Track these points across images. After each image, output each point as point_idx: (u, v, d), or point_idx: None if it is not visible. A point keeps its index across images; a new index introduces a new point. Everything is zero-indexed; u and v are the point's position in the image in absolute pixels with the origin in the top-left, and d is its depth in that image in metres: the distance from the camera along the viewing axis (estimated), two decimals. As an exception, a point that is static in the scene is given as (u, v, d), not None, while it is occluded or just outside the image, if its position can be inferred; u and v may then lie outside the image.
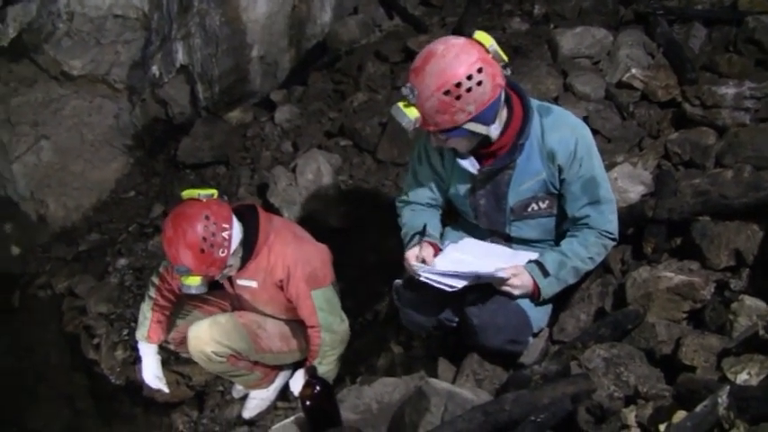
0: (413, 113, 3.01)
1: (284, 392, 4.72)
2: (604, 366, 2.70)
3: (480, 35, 3.05)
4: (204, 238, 3.64)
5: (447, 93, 2.94)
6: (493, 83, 2.97)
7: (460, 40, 3.02)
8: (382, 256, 4.77)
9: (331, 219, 5.32)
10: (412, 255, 3.39)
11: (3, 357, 6.03)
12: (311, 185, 5.40)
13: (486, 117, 3.04)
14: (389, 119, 5.52)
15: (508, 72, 3.08)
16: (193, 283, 3.73)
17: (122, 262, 6.26)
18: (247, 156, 6.28)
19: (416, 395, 2.60)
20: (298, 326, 4.30)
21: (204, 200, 3.75)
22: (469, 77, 2.92)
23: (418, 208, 3.68)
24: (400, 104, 3.04)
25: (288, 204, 5.39)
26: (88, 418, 5.39)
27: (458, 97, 2.94)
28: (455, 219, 3.75)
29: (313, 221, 5.10)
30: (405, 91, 3.01)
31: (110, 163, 7.24)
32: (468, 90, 2.93)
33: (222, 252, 3.73)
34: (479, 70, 2.92)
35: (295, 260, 3.95)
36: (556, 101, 4.74)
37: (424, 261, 3.34)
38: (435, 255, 3.42)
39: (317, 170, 5.42)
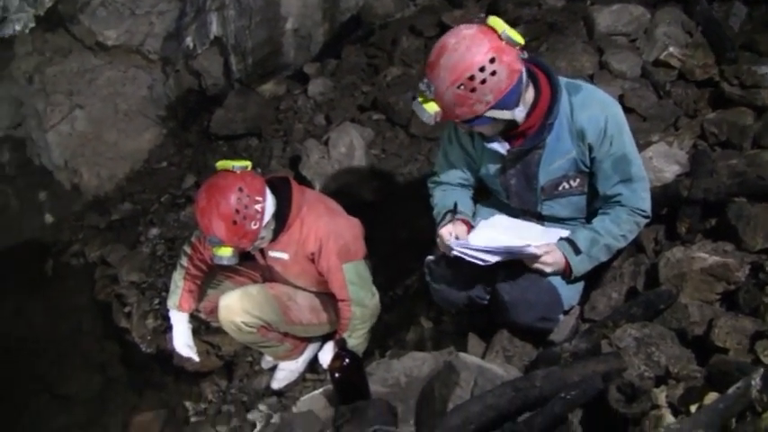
0: (432, 108, 2.99)
1: (313, 364, 4.75)
2: (635, 346, 2.68)
3: (493, 20, 3.00)
4: (237, 211, 3.65)
5: (462, 86, 2.91)
6: (509, 69, 2.93)
7: (472, 30, 2.97)
8: (413, 231, 4.76)
9: (363, 192, 5.32)
10: (445, 231, 3.37)
11: (36, 324, 6.11)
12: (343, 159, 5.40)
13: (507, 103, 3.00)
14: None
15: (525, 55, 3.05)
16: (225, 254, 3.73)
17: (154, 232, 6.31)
18: (280, 128, 6.28)
19: (446, 369, 2.60)
20: (328, 299, 4.31)
21: (238, 172, 3.75)
22: (482, 69, 2.88)
23: (449, 188, 3.66)
24: (419, 100, 3.02)
25: (320, 177, 5.39)
26: (119, 386, 5.45)
27: (473, 89, 2.91)
28: (487, 197, 3.73)
29: (345, 195, 5.08)
30: (422, 86, 2.99)
31: (143, 133, 7.28)
32: (483, 81, 2.90)
33: (254, 225, 3.74)
34: (492, 60, 2.89)
35: (327, 233, 3.95)
36: (591, 79, 4.69)
37: (457, 237, 3.33)
38: (468, 232, 3.41)
39: (350, 144, 5.41)
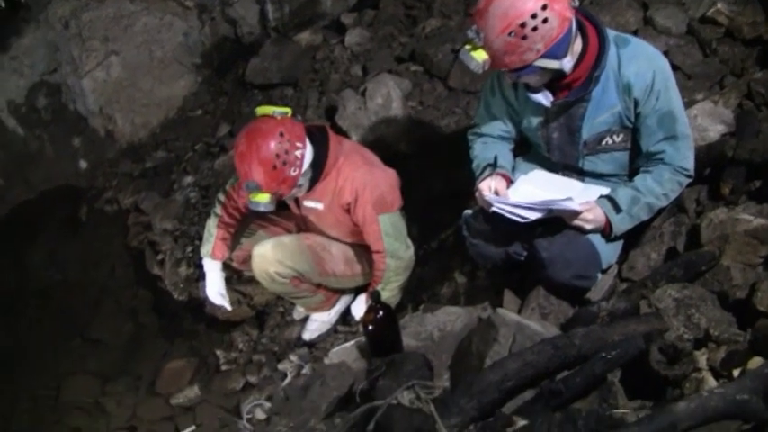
0: (481, 56, 2.91)
1: (345, 316, 4.76)
2: (675, 307, 2.63)
3: None
4: (277, 155, 3.62)
5: (512, 34, 2.83)
6: (560, 18, 2.85)
7: None
8: (449, 185, 4.72)
9: (399, 144, 5.26)
10: (485, 186, 3.33)
11: (69, 269, 6.16)
12: (380, 110, 5.33)
13: (556, 52, 2.93)
14: (462, 46, 5.42)
15: (576, 3, 2.97)
16: (262, 200, 3.70)
17: (188, 180, 6.31)
18: (316, 78, 6.22)
19: (485, 325, 2.57)
20: (362, 250, 4.30)
21: (278, 117, 3.72)
22: (534, 16, 2.81)
23: (490, 140, 3.61)
24: (467, 48, 2.94)
25: (356, 128, 5.34)
26: (150, 332, 5.47)
27: (524, 37, 2.84)
28: (527, 151, 3.67)
29: (381, 146, 5.03)
30: (470, 34, 2.91)
31: (178, 81, 7.26)
32: (534, 29, 2.82)
33: (294, 171, 3.71)
34: (544, 7, 2.81)
35: (364, 183, 3.92)
36: (635, 35, 4.59)
37: (496, 192, 3.29)
38: (507, 187, 3.36)
39: (387, 95, 5.34)
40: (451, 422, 1.95)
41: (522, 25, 2.81)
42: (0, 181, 6.63)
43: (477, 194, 3.37)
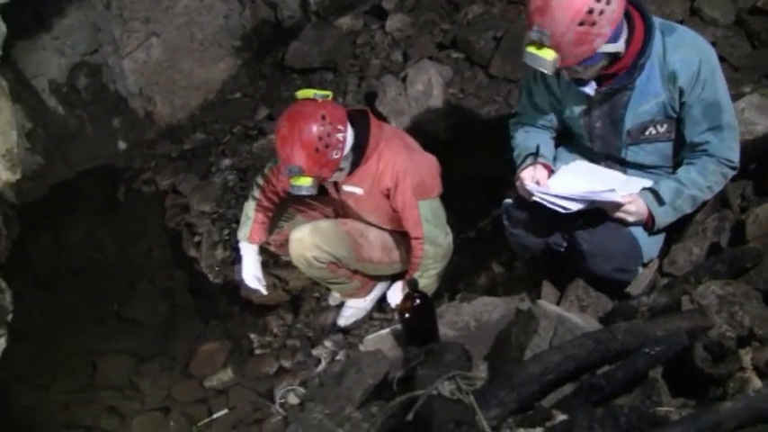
0: (550, 55, 2.85)
1: (381, 303, 4.74)
2: (718, 304, 2.58)
3: None
4: (320, 138, 3.61)
5: (582, 23, 2.78)
6: None
7: None
8: (489, 173, 4.68)
9: (439, 131, 5.23)
10: (527, 175, 3.30)
11: (107, 248, 6.20)
12: (421, 96, 5.30)
13: (617, 34, 2.90)
14: (504, 34, 5.39)
15: None
16: (304, 183, 3.69)
17: (226, 162, 6.31)
18: (356, 63, 6.19)
19: (525, 316, 2.54)
20: (400, 237, 4.28)
21: (320, 100, 3.70)
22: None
23: (531, 130, 3.57)
24: (531, 49, 2.88)
25: (396, 114, 5.31)
26: (185, 314, 5.48)
27: (593, 23, 2.78)
28: (568, 141, 3.62)
29: (420, 133, 5.00)
30: (533, 35, 2.85)
31: (217, 63, 7.27)
32: (601, 12, 2.77)
33: (336, 154, 3.70)
34: None
35: (404, 169, 3.90)
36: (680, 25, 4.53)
37: (537, 183, 3.25)
38: (549, 177, 3.33)
39: (428, 81, 5.30)
40: (490, 414, 1.93)
41: (590, 11, 2.76)
42: (40, 159, 6.66)
43: (517, 183, 3.35)
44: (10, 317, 4.52)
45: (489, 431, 1.77)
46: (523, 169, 3.35)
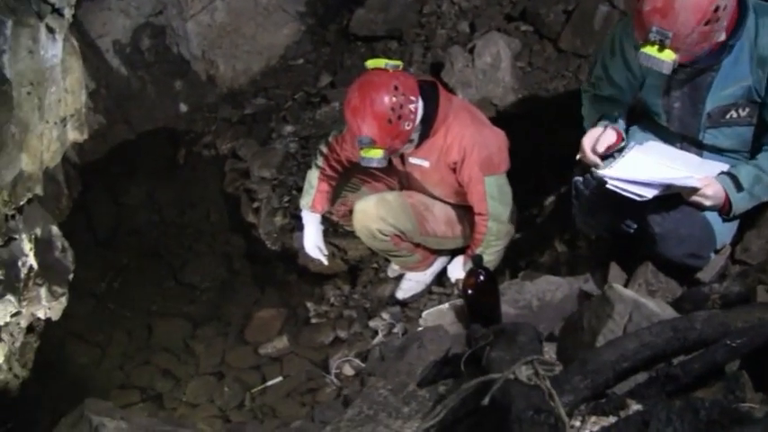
0: (670, 56, 2.75)
1: (440, 277, 4.69)
2: (798, 295, 2.50)
3: None
4: (392, 109, 3.57)
5: (708, 22, 2.69)
6: None
7: None
8: (555, 150, 4.59)
9: (505, 105, 5.17)
10: (591, 136, 3.22)
11: (165, 211, 6.22)
12: (488, 69, 5.21)
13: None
14: (575, 7, 5.26)
15: None
16: (375, 155, 3.65)
17: (288, 129, 6.27)
18: (422, 33, 6.11)
19: (599, 300, 2.46)
20: (464, 212, 4.22)
21: (391, 70, 3.65)
22: None
23: (605, 101, 3.46)
24: (650, 51, 2.77)
25: (463, 86, 5.24)
26: (242, 280, 5.50)
27: (717, 20, 2.71)
28: (642, 119, 3.51)
29: (486, 105, 4.97)
30: (653, 36, 2.73)
31: (281, 28, 7.23)
32: (724, 8, 2.70)
33: (408, 125, 3.65)
34: None
35: (472, 143, 3.84)
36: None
37: (604, 158, 3.15)
38: (617, 142, 3.24)
39: (497, 54, 5.20)
40: (563, 400, 1.86)
41: (716, 9, 2.68)
42: (102, 119, 6.68)
43: (583, 140, 3.26)
44: (71, 276, 4.56)
45: (567, 420, 1.71)
46: (592, 131, 3.27)
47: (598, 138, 3.21)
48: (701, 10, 2.66)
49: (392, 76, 3.63)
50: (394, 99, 3.56)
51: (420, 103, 3.74)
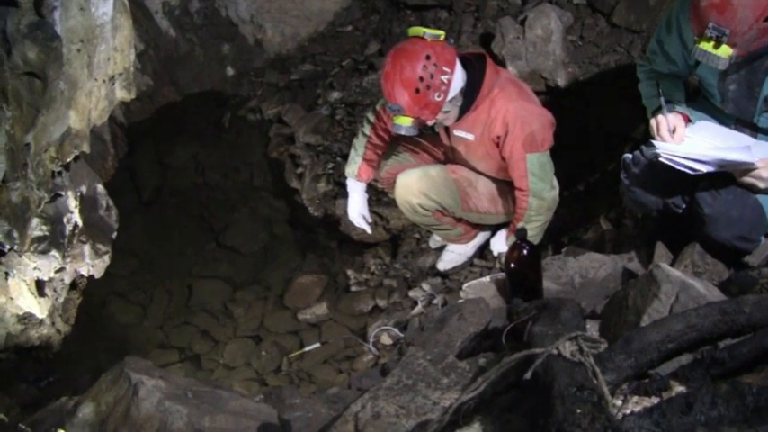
0: (726, 52, 2.71)
1: (482, 250, 4.67)
2: None
3: None
4: (421, 78, 3.53)
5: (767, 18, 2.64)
6: None
7: None
8: (603, 126, 4.54)
9: (555, 79, 5.10)
10: (664, 123, 3.14)
11: (209, 173, 6.24)
12: (539, 42, 5.13)
13: None
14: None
15: None
16: (404, 123, 3.64)
17: (335, 95, 6.25)
18: (472, 3, 6.03)
19: (645, 279, 2.42)
20: (508, 188, 4.18)
21: (429, 39, 3.61)
22: None
23: (662, 78, 3.38)
24: (707, 47, 2.73)
25: (513, 58, 5.18)
26: (283, 245, 5.53)
27: None
28: (695, 99, 3.43)
29: (536, 79, 4.91)
30: (710, 33, 2.69)
31: (330, -6, 7.18)
32: None
33: (438, 96, 3.61)
34: None
35: (516, 118, 3.78)
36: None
37: (674, 130, 3.09)
38: (685, 125, 3.17)
39: (548, 26, 5.12)
40: (606, 378, 1.84)
41: None
42: (149, 81, 6.69)
43: (651, 122, 3.19)
44: (114, 234, 4.60)
45: (609, 398, 1.69)
46: (659, 116, 3.18)
47: (674, 127, 3.14)
48: (760, 6, 2.60)
49: (427, 45, 3.58)
50: (424, 69, 3.53)
51: (457, 75, 3.68)
